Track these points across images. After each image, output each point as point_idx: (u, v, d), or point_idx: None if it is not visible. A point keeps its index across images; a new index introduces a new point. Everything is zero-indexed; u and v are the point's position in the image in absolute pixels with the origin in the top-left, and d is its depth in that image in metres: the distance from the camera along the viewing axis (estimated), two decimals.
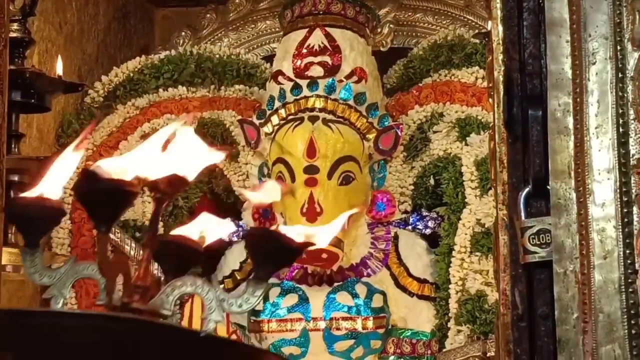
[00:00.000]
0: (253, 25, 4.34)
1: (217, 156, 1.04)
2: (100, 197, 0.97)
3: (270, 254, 0.98)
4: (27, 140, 3.58)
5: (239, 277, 3.78)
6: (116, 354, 0.93)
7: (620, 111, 1.66)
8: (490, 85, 1.84)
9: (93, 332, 0.92)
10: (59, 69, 3.42)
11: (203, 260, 1.00)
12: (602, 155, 1.66)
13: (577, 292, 1.63)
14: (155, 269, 1.02)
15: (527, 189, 1.73)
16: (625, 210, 1.64)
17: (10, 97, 2.79)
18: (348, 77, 3.68)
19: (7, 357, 0.93)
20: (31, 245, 1.02)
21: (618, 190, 1.65)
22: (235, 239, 3.84)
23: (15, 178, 3.13)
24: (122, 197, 0.98)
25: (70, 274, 1.01)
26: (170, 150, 1.02)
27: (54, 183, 1.01)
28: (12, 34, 3.03)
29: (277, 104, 3.70)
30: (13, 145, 3.30)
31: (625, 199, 1.65)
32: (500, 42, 1.77)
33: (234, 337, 3.40)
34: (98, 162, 0.99)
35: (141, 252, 3.55)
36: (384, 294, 3.61)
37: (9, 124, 3.03)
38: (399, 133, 3.67)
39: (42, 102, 3.29)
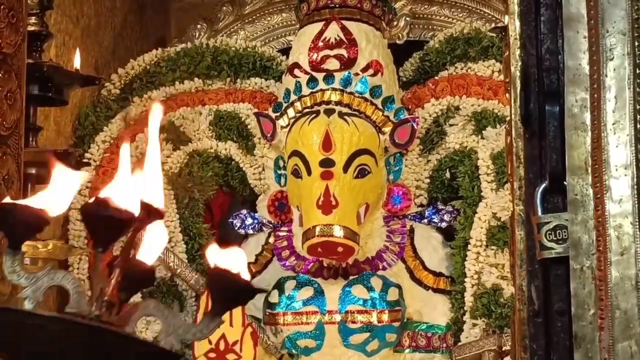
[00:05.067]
0: (269, 18, 4.34)
1: None
2: (105, 222, 1.05)
3: (229, 292, 1.07)
4: (44, 133, 3.59)
5: (254, 270, 3.79)
6: (79, 356, 0.99)
7: (638, 107, 1.66)
8: (507, 80, 1.84)
9: (59, 334, 0.99)
10: (77, 62, 3.44)
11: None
12: (619, 151, 1.66)
13: (594, 288, 1.63)
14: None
15: (543, 185, 1.73)
16: None
17: (28, 90, 2.81)
18: (364, 70, 3.67)
19: None
20: (14, 247, 1.09)
21: (635, 187, 1.65)
22: (250, 231, 3.85)
23: (33, 171, 3.14)
24: (124, 225, 1.06)
25: (46, 280, 1.09)
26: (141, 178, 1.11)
27: (47, 198, 1.09)
28: (30, 28, 3.04)
29: (293, 97, 3.70)
30: (31, 139, 3.31)
31: None
32: (518, 37, 1.76)
33: (249, 329, 3.41)
34: (105, 191, 1.06)
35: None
36: (399, 287, 3.61)
37: (27, 117, 3.04)
38: (415, 126, 3.67)
39: (60, 95, 3.30)
